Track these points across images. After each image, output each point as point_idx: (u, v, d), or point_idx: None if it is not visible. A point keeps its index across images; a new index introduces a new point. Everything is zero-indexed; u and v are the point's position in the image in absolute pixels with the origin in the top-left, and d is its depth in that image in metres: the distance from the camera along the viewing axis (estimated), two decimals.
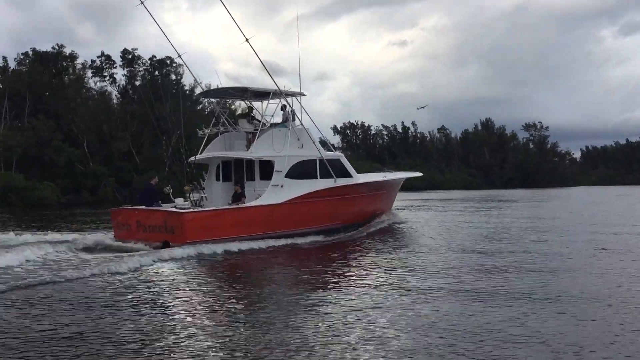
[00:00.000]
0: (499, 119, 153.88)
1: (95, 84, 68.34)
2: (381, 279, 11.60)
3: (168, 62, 69.69)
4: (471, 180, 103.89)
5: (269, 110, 20.64)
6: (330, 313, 8.72)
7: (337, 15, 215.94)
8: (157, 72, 69.83)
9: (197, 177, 19.58)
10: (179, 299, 9.94)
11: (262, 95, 20.14)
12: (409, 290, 10.36)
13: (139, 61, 69.40)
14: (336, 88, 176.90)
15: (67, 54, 65.57)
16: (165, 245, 15.74)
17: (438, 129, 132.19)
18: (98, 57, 69.30)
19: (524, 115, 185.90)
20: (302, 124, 19.91)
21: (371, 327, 7.92)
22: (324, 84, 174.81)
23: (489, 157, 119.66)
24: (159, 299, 9.88)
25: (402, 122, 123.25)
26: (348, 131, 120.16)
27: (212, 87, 18.56)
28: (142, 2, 18.54)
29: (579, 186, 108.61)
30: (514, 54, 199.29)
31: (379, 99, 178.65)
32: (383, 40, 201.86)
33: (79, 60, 67.00)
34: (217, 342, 7.29)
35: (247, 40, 17.85)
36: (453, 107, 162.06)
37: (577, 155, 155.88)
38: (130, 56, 69.00)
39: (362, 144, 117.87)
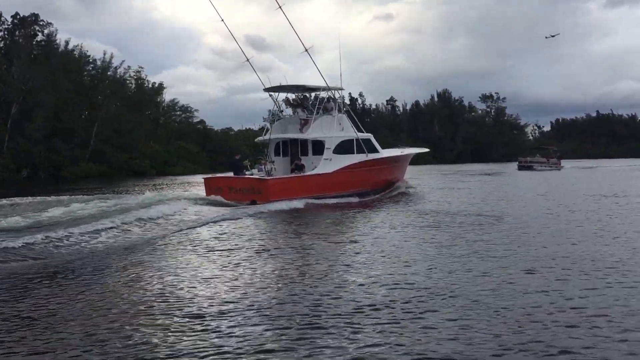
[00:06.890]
0: (480, 92, 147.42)
1: None
2: (399, 224, 15.86)
3: (32, 19, 62.94)
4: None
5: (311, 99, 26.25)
6: (363, 243, 12.57)
7: None
8: (18, 32, 62.76)
9: (261, 154, 25.17)
10: (270, 232, 15.05)
11: (313, 89, 25.76)
12: (422, 227, 15.29)
13: None
14: (323, 62, 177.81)
15: None
16: (253, 202, 20.81)
17: (387, 100, 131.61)
18: None
19: (507, 88, 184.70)
20: (342, 111, 25.64)
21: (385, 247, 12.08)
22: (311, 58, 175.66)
23: (439, 130, 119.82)
24: (266, 230, 15.45)
25: (350, 94, 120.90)
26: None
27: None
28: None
29: None
30: (501, 26, 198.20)
31: (365, 73, 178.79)
32: (369, 13, 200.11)
33: None
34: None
35: (306, 50, 23.36)
36: (441, 80, 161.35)
37: (547, 128, 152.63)
38: None
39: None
